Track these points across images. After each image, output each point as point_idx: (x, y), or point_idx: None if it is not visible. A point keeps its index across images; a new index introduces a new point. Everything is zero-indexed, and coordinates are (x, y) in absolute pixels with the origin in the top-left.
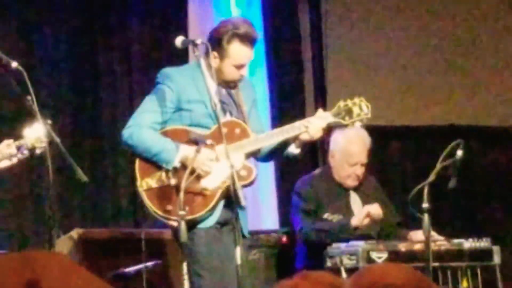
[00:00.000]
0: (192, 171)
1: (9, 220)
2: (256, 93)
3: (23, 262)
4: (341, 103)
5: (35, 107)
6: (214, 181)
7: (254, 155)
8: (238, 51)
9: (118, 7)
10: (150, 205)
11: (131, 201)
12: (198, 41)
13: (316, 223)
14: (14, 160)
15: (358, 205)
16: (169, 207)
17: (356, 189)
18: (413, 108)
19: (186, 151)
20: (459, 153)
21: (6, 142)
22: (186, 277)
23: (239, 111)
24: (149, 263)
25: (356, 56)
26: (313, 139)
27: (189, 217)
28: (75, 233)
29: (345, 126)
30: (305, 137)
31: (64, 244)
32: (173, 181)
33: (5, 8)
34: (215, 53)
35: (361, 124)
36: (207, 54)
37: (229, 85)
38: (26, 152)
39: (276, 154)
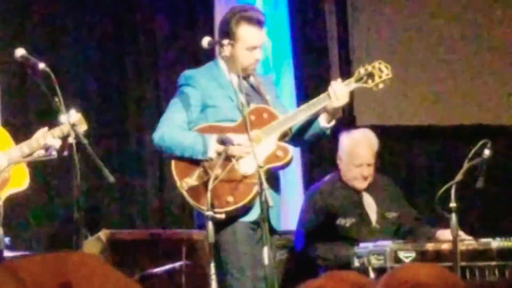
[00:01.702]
0: (228, 159)
1: (37, 221)
2: (277, 90)
3: (56, 263)
4: (361, 69)
5: (63, 108)
6: (252, 165)
7: (286, 135)
8: (247, 33)
9: (145, 8)
10: (195, 203)
11: (159, 201)
12: (225, 42)
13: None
14: (50, 151)
15: (372, 206)
16: (214, 202)
17: (368, 190)
18: (440, 107)
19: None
20: (487, 152)
21: (42, 130)
22: (213, 277)
23: (263, 100)
24: (177, 264)
25: (383, 57)
26: (341, 105)
27: (234, 207)
28: (102, 234)
29: (370, 89)
30: (332, 105)
31: (91, 245)
32: (212, 175)
33: (32, 11)
34: (226, 41)
35: (384, 86)
36: (221, 47)
37: (247, 72)
38: (54, 154)
39: (306, 133)
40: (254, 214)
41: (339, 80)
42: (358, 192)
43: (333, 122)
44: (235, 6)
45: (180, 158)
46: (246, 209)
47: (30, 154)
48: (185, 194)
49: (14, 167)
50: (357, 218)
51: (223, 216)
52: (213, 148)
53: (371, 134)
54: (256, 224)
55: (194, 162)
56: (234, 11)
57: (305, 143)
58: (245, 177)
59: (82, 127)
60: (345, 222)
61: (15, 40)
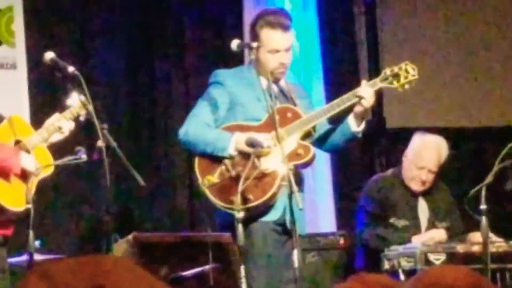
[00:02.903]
0: (249, 156)
1: (66, 224)
2: (311, 97)
3: (89, 266)
4: (387, 70)
5: (92, 111)
6: (273, 162)
7: (309, 135)
8: (269, 36)
9: (174, 12)
10: (215, 200)
11: (188, 204)
12: (254, 44)
13: (378, 229)
14: (66, 132)
15: (425, 212)
16: (233, 198)
17: (425, 195)
18: (470, 109)
19: (240, 137)
20: None
21: (55, 115)
22: (243, 280)
23: (291, 104)
24: (206, 267)
25: (413, 58)
26: (367, 107)
27: (254, 203)
28: (132, 237)
29: (396, 89)
30: (357, 108)
31: (121, 248)
32: (233, 173)
33: (62, 16)
34: (256, 44)
35: (409, 86)
36: (250, 50)
37: (274, 76)
38: (84, 157)
39: (336, 139)
40: (275, 214)
41: (364, 81)
42: (414, 196)
43: (363, 125)
44: (262, 10)
45: (204, 156)
46: (266, 208)
47: (47, 139)
48: (206, 191)
49: (39, 153)
50: (409, 222)
51: (242, 213)
52: (234, 145)
53: (443, 144)
54: (280, 225)
55: (217, 160)
56: (259, 15)
57: (336, 149)
58: (264, 174)
59: (89, 108)
60: (398, 222)
61: (45, 42)
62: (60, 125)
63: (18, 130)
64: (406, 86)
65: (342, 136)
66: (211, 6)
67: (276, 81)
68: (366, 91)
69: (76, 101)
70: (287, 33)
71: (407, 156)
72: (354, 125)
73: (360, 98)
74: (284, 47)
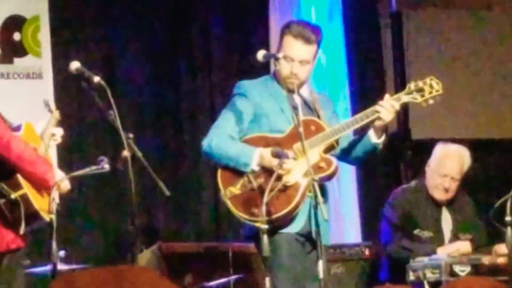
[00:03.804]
0: (274, 173)
1: (92, 234)
2: (336, 107)
3: (115, 277)
4: (412, 84)
5: (118, 121)
6: (295, 174)
7: (332, 148)
8: (288, 43)
9: (200, 21)
10: (236, 211)
11: (214, 214)
12: (280, 55)
13: (403, 240)
14: (59, 139)
15: (449, 224)
16: (254, 210)
17: (448, 205)
18: (496, 121)
19: (262, 153)
20: None
21: (43, 123)
22: None
23: (315, 115)
24: (233, 277)
25: (439, 70)
26: (387, 121)
27: (274, 216)
28: (157, 247)
29: (419, 104)
30: (379, 122)
31: (146, 258)
32: (255, 185)
33: (88, 26)
34: (281, 55)
35: (433, 102)
36: (276, 60)
37: (286, 85)
38: (107, 167)
39: (357, 150)
40: (296, 226)
41: (387, 95)
42: (438, 207)
43: (383, 137)
44: (295, 19)
45: (226, 167)
46: (288, 220)
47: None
48: (227, 201)
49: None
50: (433, 233)
51: (265, 225)
52: (256, 160)
53: (466, 153)
54: (303, 236)
55: (239, 171)
56: (288, 22)
57: (357, 161)
58: (286, 186)
59: (57, 114)
60: (422, 234)
61: (71, 52)
62: (52, 132)
63: (32, 138)
64: (430, 102)
65: (363, 148)
66: (238, 18)
67: (293, 91)
68: (386, 106)
69: (49, 107)
70: (307, 45)
71: (430, 165)
72: (374, 137)
73: (379, 113)
74: (299, 58)
